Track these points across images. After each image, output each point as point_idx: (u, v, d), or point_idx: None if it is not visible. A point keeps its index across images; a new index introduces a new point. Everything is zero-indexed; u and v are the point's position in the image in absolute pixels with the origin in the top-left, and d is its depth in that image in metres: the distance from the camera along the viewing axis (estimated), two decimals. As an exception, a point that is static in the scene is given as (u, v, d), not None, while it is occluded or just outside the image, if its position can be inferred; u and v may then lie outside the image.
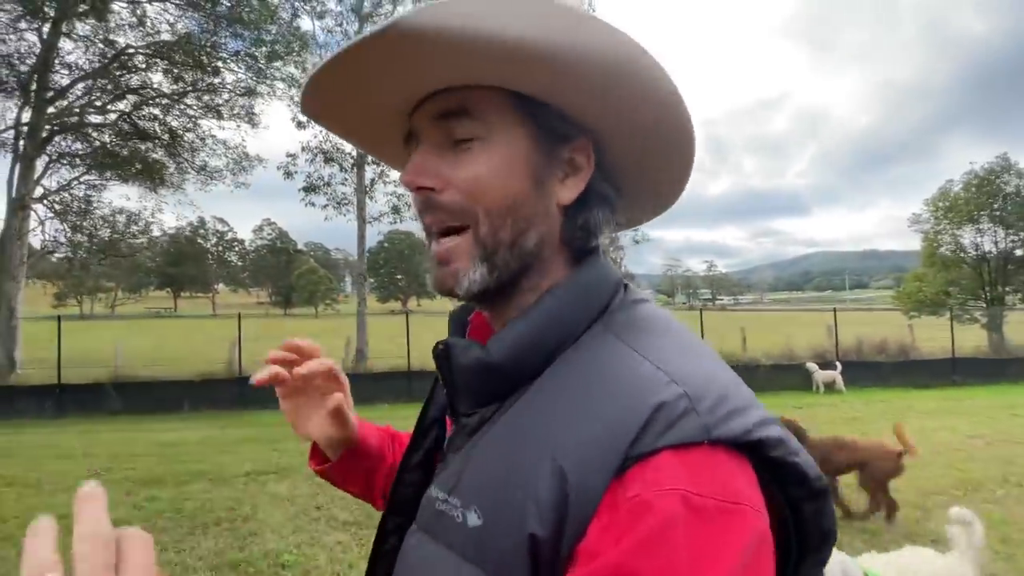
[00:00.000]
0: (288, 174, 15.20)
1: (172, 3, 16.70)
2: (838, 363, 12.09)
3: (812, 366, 11.98)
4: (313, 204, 15.68)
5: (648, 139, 0.55)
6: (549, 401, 0.47)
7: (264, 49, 16.49)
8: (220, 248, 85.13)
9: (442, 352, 0.54)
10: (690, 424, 0.42)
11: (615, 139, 0.56)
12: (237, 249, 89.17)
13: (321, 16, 15.63)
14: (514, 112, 0.52)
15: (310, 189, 15.54)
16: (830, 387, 11.77)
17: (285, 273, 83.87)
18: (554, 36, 0.46)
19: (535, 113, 0.52)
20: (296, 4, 15.34)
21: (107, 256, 18.35)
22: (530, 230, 0.53)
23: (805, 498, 0.45)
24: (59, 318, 9.95)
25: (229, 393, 9.21)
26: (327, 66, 0.49)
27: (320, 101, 0.56)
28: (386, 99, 0.55)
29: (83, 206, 17.69)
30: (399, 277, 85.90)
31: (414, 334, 11.20)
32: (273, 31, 16.30)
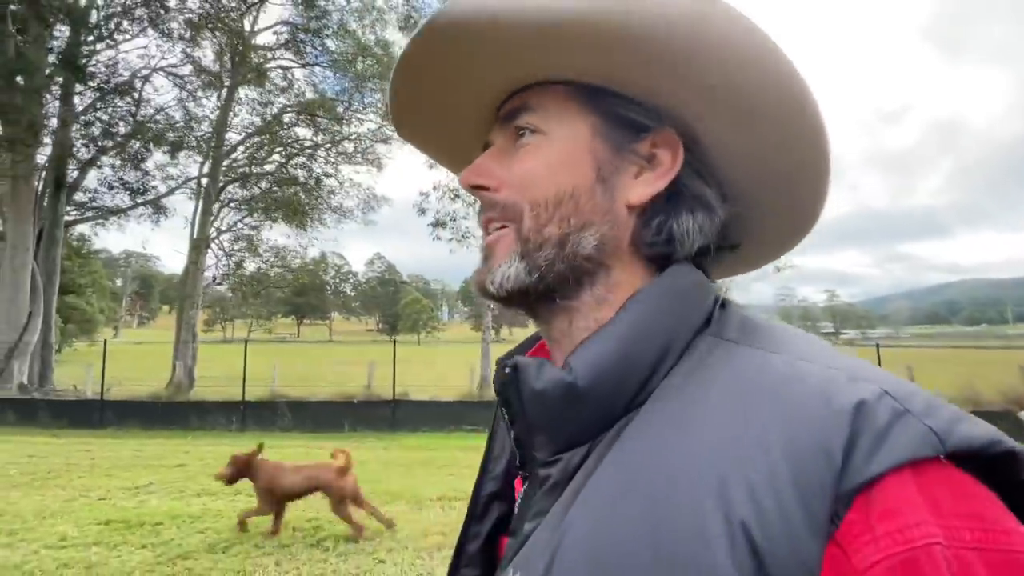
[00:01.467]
0: (422, 211, 16.50)
1: (319, 67, 19.35)
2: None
3: None
4: (439, 238, 16.79)
5: (748, 124, 0.44)
6: (686, 430, 0.35)
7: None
8: (337, 280, 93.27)
9: (509, 376, 0.42)
10: (910, 431, 0.30)
11: (709, 129, 0.46)
12: (351, 281, 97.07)
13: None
14: (578, 104, 0.46)
15: (438, 224, 16.67)
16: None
17: (392, 302, 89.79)
18: (605, 9, 0.39)
19: (599, 102, 0.46)
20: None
21: (264, 287, 20.86)
22: (585, 230, 0.44)
23: None
24: (246, 342, 11.51)
25: (381, 414, 9.96)
26: (398, 73, 0.47)
27: (406, 119, 0.53)
28: (463, 108, 0.51)
29: (247, 244, 20.57)
30: (491, 306, 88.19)
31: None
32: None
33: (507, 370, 0.43)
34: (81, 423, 10.25)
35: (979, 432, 0.31)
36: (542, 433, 0.42)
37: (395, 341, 12.10)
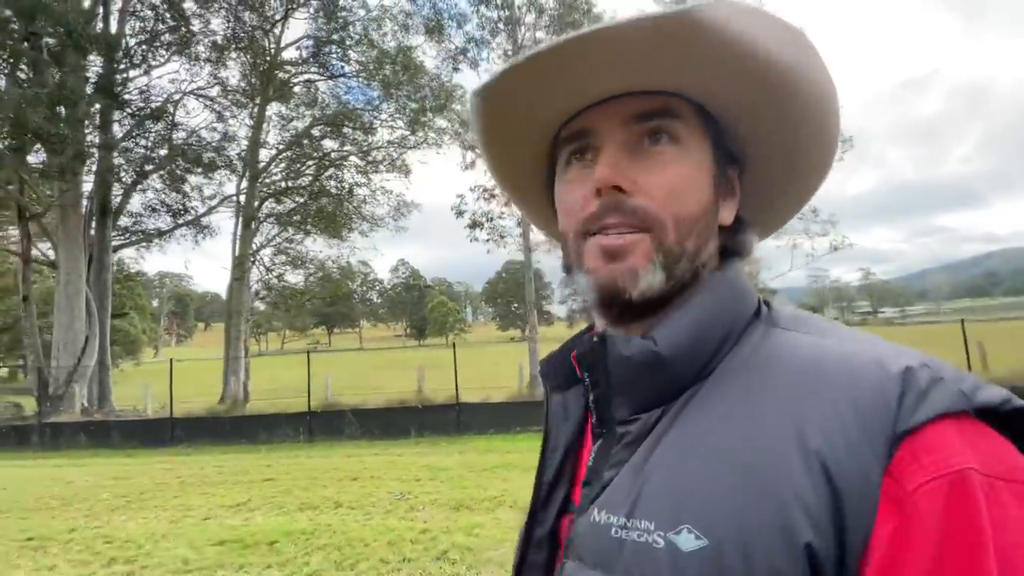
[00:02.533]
0: (460, 212, 16.39)
1: (343, 78, 19.45)
2: None
3: None
4: (476, 239, 16.67)
5: (796, 169, 0.54)
6: (758, 395, 0.41)
7: (414, 105, 18.41)
8: (364, 288, 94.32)
9: (596, 345, 0.48)
10: (946, 391, 0.37)
11: (763, 165, 0.54)
12: (378, 288, 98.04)
13: (476, 65, 16.91)
14: (703, 126, 0.50)
15: (475, 225, 16.54)
16: None
17: (418, 307, 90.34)
18: (787, 61, 0.45)
19: (716, 130, 0.51)
20: (457, 57, 16.78)
21: (308, 299, 21.08)
22: (709, 243, 0.50)
23: None
24: (308, 353, 11.50)
25: (446, 418, 9.84)
26: (568, 43, 0.44)
27: (498, 94, 0.51)
28: (568, 97, 0.50)
29: (287, 257, 20.79)
30: (515, 306, 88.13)
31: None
32: (424, 89, 18.22)
33: (595, 339, 0.49)
34: (152, 442, 10.41)
35: (996, 393, 0.38)
36: (625, 395, 0.47)
37: (453, 345, 11.98)
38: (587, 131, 0.51)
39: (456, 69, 17.71)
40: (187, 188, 18.91)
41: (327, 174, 20.06)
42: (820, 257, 13.85)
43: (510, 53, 16.47)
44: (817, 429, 0.38)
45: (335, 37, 18.84)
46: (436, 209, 22.50)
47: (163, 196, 18.72)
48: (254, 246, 19.28)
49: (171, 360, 11.64)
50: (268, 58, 18.40)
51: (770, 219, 0.62)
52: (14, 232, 18.71)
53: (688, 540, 0.38)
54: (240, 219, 18.57)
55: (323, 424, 10.21)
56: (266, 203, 19.55)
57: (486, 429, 9.70)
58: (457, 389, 10.30)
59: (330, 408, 10.72)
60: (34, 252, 16.97)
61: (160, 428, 10.77)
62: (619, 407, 0.47)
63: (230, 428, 10.42)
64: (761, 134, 0.52)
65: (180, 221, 19.00)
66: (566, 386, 0.54)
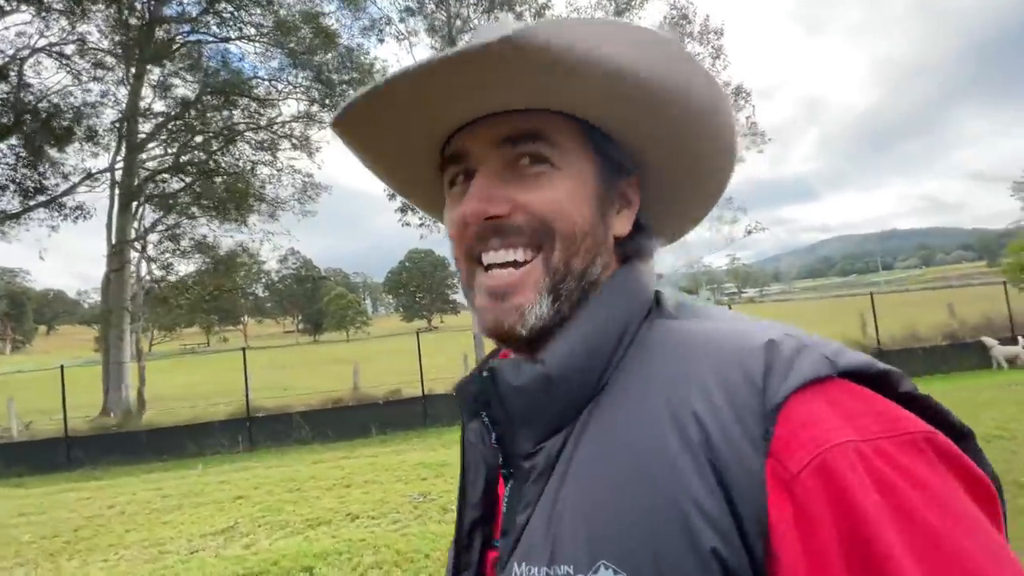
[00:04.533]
0: (392, 195, 15.45)
1: (236, 43, 17.31)
2: (1021, 337, 10.74)
3: (990, 341, 10.78)
4: (409, 224, 15.91)
5: (694, 173, 0.55)
6: (638, 401, 0.41)
7: (333, 77, 17.02)
8: (247, 280, 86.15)
9: (487, 380, 0.47)
10: (811, 357, 0.37)
11: (659, 173, 0.55)
12: (264, 280, 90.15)
13: (382, 41, 16.02)
14: (583, 142, 0.49)
15: (405, 209, 15.76)
16: (1012, 363, 10.51)
17: (312, 300, 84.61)
18: (657, 71, 0.44)
19: (600, 144, 0.50)
20: (383, 28, 15.73)
21: (211, 292, 18.66)
22: (597, 260, 0.50)
23: (955, 441, 0.37)
24: (244, 350, 10.06)
25: (411, 412, 9.25)
26: (402, 75, 0.43)
27: (360, 119, 0.49)
28: (429, 122, 0.49)
29: (172, 245, 18.08)
30: (420, 296, 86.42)
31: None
32: (329, 59, 16.88)
33: (484, 374, 0.47)
34: (44, 467, 8.55)
35: (859, 357, 0.38)
36: (524, 425, 0.45)
37: (418, 334, 11.22)
38: (461, 154, 0.50)
39: (381, 40, 16.59)
40: (46, 162, 15.67)
41: (218, 149, 17.68)
42: (737, 241, 15.06)
43: (440, 24, 15.79)
44: (694, 420, 0.37)
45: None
46: (342, 194, 21.03)
47: (12, 172, 15.34)
48: (133, 232, 16.56)
49: (62, 367, 9.62)
50: (146, 13, 15.75)
51: (680, 221, 0.62)
52: None
53: None
54: (116, 200, 15.84)
55: (263, 430, 9.08)
56: (149, 183, 16.86)
57: (455, 422, 9.22)
58: (423, 381, 9.66)
59: (271, 412, 9.56)
60: None
61: (50, 449, 8.87)
62: (522, 440, 0.46)
63: (146, 442, 8.86)
64: (647, 141, 0.51)
65: (39, 200, 15.73)
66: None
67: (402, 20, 15.69)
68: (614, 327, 0.46)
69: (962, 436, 0.38)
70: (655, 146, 0.52)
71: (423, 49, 16.93)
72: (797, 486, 0.34)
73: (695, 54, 0.46)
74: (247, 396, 9.34)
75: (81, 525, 5.19)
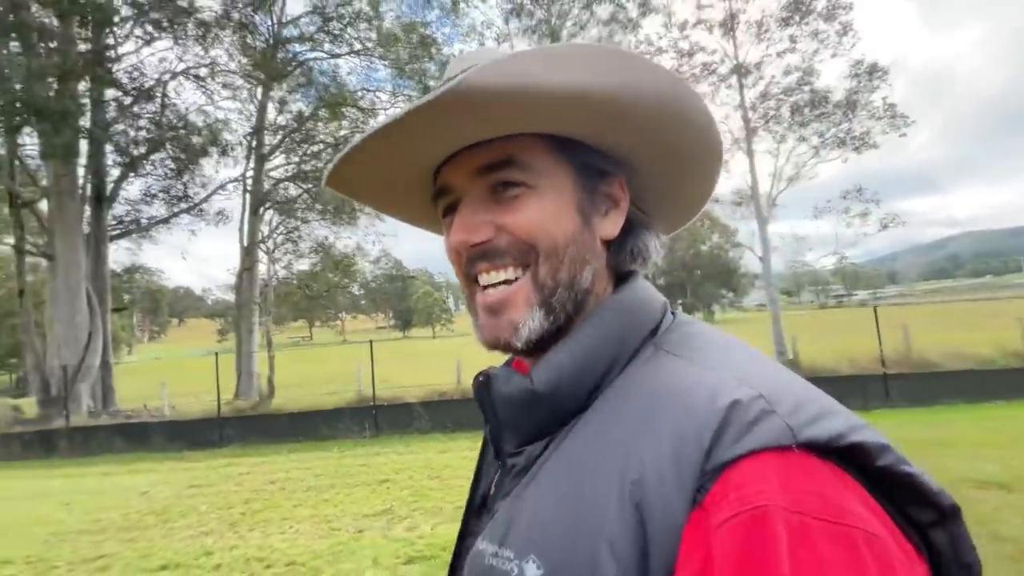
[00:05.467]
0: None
1: (348, 57, 18.43)
2: None
3: None
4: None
5: (679, 163, 0.56)
6: (605, 428, 0.43)
7: (426, 84, 17.63)
8: (346, 279, 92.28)
9: (482, 383, 0.51)
10: (772, 425, 0.36)
11: (647, 168, 0.56)
12: (359, 279, 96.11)
13: (503, 39, 16.25)
14: (556, 156, 0.51)
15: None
16: None
17: (402, 298, 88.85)
18: (605, 82, 0.46)
19: (574, 154, 0.52)
20: (483, 33, 16.07)
21: (328, 288, 20.12)
22: (585, 268, 0.51)
23: (934, 523, 0.37)
24: (371, 343, 10.76)
25: None
26: (380, 131, 0.47)
27: (348, 172, 0.53)
28: (415, 160, 0.53)
29: (293, 246, 19.72)
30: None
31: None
32: (431, 67, 17.47)
33: (481, 378, 0.52)
34: (201, 444, 9.60)
35: (831, 427, 0.37)
36: (509, 429, 0.49)
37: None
38: (446, 188, 0.54)
39: (481, 43, 16.97)
40: (188, 173, 17.68)
41: (329, 160, 19.01)
42: (871, 236, 13.64)
43: (540, 21, 15.82)
44: (637, 463, 0.38)
45: (342, 11, 17.74)
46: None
47: (163, 182, 17.46)
48: (260, 234, 18.22)
49: (216, 355, 10.76)
50: (270, 36, 17.26)
51: (679, 209, 0.63)
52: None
53: (531, 569, 0.40)
54: (247, 206, 17.50)
55: (386, 417, 9.56)
56: (276, 189, 18.47)
57: None
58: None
59: (394, 401, 10.04)
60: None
61: (206, 428, 9.95)
62: (507, 440, 0.50)
63: (286, 425, 9.66)
64: (620, 147, 0.53)
65: (181, 207, 17.78)
66: None
67: (506, 21, 15.89)
68: (607, 350, 0.48)
69: (948, 517, 0.37)
70: (631, 149, 0.54)
71: (522, 47, 17.09)
72: (715, 537, 0.34)
73: (671, 74, 0.50)
74: (373, 385, 9.91)
75: (249, 498, 5.71)
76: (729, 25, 13.17)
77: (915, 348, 10.60)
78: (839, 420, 0.38)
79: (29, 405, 14.46)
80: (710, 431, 0.37)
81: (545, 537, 0.41)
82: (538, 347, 0.50)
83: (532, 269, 0.50)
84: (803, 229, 15.29)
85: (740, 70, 13.12)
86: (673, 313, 0.54)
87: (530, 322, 0.50)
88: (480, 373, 0.53)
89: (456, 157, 0.52)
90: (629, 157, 0.54)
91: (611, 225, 0.54)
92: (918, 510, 0.37)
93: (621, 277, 0.55)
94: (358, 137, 0.48)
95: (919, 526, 0.38)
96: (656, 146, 0.53)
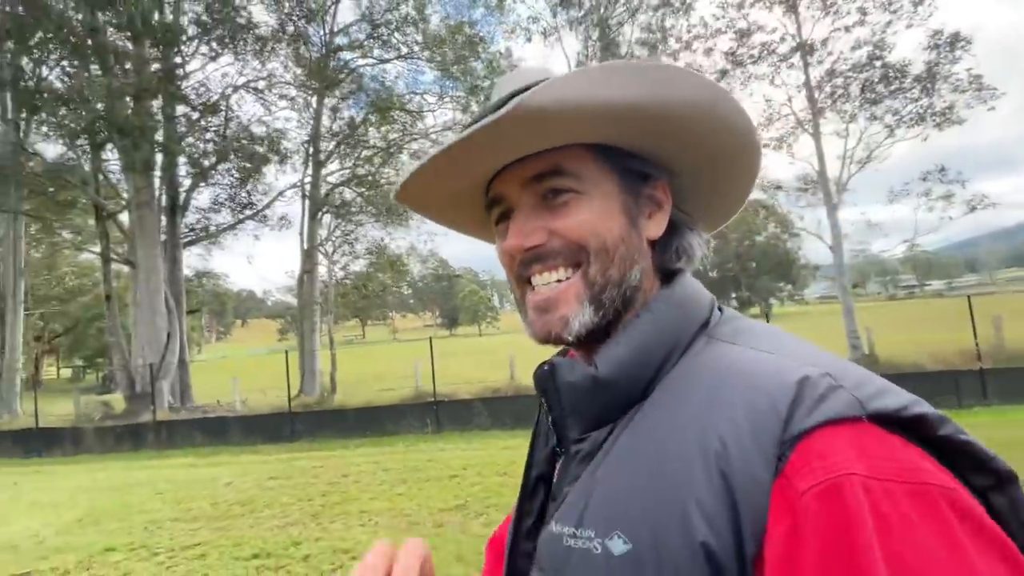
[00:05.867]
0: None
1: (396, 62, 18.75)
2: None
3: None
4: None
5: (718, 167, 0.58)
6: (675, 408, 0.45)
7: (482, 83, 17.66)
8: (394, 279, 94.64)
9: (547, 373, 0.53)
10: (842, 398, 0.39)
11: (688, 171, 0.59)
12: (408, 279, 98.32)
13: (550, 34, 16.08)
14: (600, 163, 0.55)
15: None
16: None
17: (448, 297, 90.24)
18: (643, 94, 0.50)
19: (617, 161, 0.55)
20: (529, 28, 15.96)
21: (383, 288, 20.67)
22: (635, 266, 0.54)
23: (992, 487, 0.39)
24: (431, 340, 10.98)
25: None
26: (449, 149, 0.51)
27: (416, 186, 0.58)
28: (471, 174, 0.56)
29: (350, 248, 20.38)
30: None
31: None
32: (477, 67, 17.51)
33: (546, 368, 0.54)
34: (273, 438, 10.05)
35: (895, 400, 0.39)
36: (574, 416, 0.51)
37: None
38: (499, 197, 0.58)
39: (528, 39, 16.89)
40: (251, 182, 18.55)
41: (381, 163, 19.44)
42: (958, 219, 12.61)
43: (588, 12, 15.56)
44: (715, 435, 0.41)
45: (390, 17, 18.08)
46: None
47: (229, 191, 18.41)
48: (319, 237, 18.89)
49: (286, 352, 11.24)
50: (323, 47, 17.82)
51: (719, 209, 0.66)
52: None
53: (618, 545, 0.42)
54: (306, 210, 18.18)
55: (446, 414, 9.67)
56: (332, 194, 19.11)
57: None
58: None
59: (451, 397, 10.16)
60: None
61: (278, 423, 10.40)
62: (571, 427, 0.51)
63: (352, 420, 9.97)
64: (662, 152, 0.56)
65: (246, 214, 18.69)
66: None
67: (554, 15, 15.73)
68: (665, 340, 0.50)
69: (1006, 481, 0.39)
70: (671, 155, 0.57)
71: (571, 43, 16.92)
72: (800, 504, 0.35)
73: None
74: (433, 381, 10.05)
75: (326, 491, 5.90)
76: (791, 1, 12.47)
77: (1009, 340, 9.75)
78: (902, 395, 0.40)
79: (116, 401, 15.61)
80: (785, 404, 0.39)
81: (629, 512, 0.42)
82: (588, 340, 0.53)
83: (583, 268, 0.53)
84: (876, 215, 14.35)
85: (804, 47, 12.39)
86: (721, 309, 0.56)
87: (580, 316, 0.52)
88: (544, 363, 0.55)
89: (507, 169, 0.56)
90: (670, 162, 0.57)
91: (656, 226, 0.57)
92: (977, 476, 0.39)
93: (668, 275, 0.57)
94: (430, 152, 0.52)
95: (981, 491, 0.39)
96: (695, 151, 0.56)
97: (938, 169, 12.51)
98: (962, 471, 0.39)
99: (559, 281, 0.54)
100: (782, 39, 12.92)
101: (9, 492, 7.32)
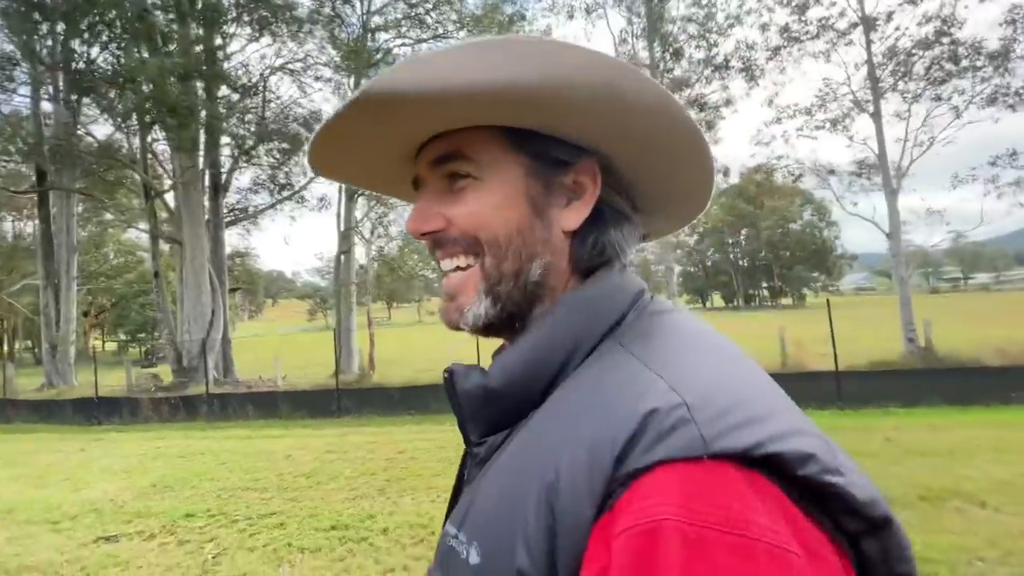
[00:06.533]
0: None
1: (430, 43, 18.56)
2: None
3: None
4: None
5: (651, 148, 0.54)
6: (545, 425, 0.45)
7: None
8: (420, 262, 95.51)
9: (447, 379, 0.53)
10: (684, 435, 0.37)
11: (620, 155, 0.55)
12: (431, 264, 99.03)
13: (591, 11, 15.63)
14: (507, 147, 0.52)
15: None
16: None
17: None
18: (532, 73, 0.45)
19: (528, 145, 0.52)
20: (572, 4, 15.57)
21: (411, 274, 20.84)
22: (534, 260, 0.52)
23: (863, 532, 0.38)
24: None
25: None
26: (320, 136, 0.51)
27: (327, 160, 0.58)
28: (388, 151, 0.56)
29: (384, 230, 20.57)
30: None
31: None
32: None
33: (445, 375, 0.53)
34: (320, 413, 10.28)
35: (749, 437, 0.36)
36: (473, 422, 0.51)
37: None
38: (417, 178, 0.57)
39: (571, 16, 16.51)
40: (290, 163, 18.79)
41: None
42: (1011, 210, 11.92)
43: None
44: (553, 466, 0.40)
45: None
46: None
47: (269, 171, 18.69)
48: (354, 220, 19.08)
49: (334, 330, 11.43)
50: (359, 27, 17.75)
51: (675, 199, 0.61)
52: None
53: (474, 555, 0.43)
54: (343, 192, 18.35)
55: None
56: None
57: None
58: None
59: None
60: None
61: (325, 399, 10.63)
62: (472, 431, 0.52)
63: (398, 399, 10.12)
64: (581, 130, 0.52)
65: (284, 195, 18.96)
66: None
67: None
68: (558, 347, 0.48)
69: (880, 527, 0.38)
70: (592, 138, 0.52)
71: (616, 19, 16.41)
72: (614, 545, 0.35)
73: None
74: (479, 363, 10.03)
75: (386, 466, 6.00)
76: (854, -29, 11.83)
77: None
78: (766, 428, 0.37)
79: (164, 373, 16.20)
80: (623, 439, 0.37)
81: (486, 526, 0.44)
82: (490, 332, 0.54)
83: (480, 259, 0.52)
84: (937, 202, 13.71)
85: (868, 22, 11.78)
86: (652, 298, 0.53)
87: (476, 308, 0.52)
88: (446, 369, 0.54)
89: (425, 147, 0.54)
90: (598, 146, 0.53)
91: (573, 216, 0.53)
92: (850, 520, 0.37)
93: (590, 270, 0.54)
94: (321, 124, 0.51)
95: (852, 536, 0.38)
96: (612, 132, 0.52)
97: (1009, 153, 11.84)
98: (833, 514, 0.37)
99: (459, 268, 0.53)
100: (841, 14, 12.32)
101: (79, 457, 7.67)
